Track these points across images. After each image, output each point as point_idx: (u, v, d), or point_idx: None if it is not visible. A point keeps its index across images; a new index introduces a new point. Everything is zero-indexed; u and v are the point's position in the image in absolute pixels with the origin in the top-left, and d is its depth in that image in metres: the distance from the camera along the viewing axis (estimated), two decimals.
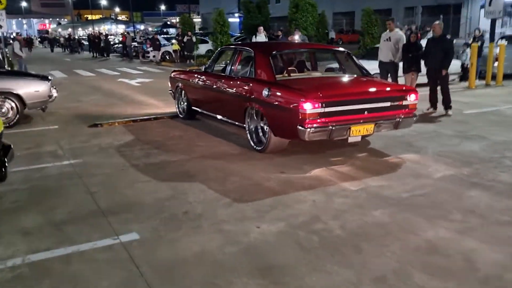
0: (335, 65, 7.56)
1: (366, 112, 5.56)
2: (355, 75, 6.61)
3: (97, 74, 19.30)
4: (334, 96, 5.47)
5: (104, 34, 35.25)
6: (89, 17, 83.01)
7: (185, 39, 21.84)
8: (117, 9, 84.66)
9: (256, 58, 6.41)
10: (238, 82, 6.57)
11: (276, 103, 5.70)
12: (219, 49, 8.31)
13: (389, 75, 10.03)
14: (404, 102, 5.81)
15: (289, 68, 6.65)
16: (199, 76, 7.87)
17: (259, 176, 5.32)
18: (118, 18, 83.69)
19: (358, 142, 6.05)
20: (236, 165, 5.77)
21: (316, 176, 5.33)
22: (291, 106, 5.42)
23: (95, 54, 32.33)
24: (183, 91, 8.51)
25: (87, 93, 13.30)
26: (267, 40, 15.68)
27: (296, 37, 12.97)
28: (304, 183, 5.06)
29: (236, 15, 59.30)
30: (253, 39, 15.67)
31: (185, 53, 22.34)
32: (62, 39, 44.17)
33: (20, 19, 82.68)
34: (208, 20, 67.38)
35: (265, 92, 5.83)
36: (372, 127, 5.57)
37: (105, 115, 9.42)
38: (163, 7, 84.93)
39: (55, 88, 9.39)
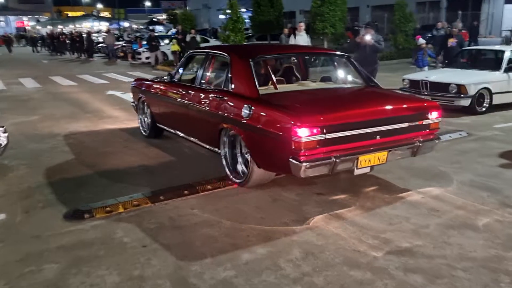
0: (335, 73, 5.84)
1: (378, 136, 4.21)
2: (360, 86, 5.34)
3: (80, 83, 14.88)
4: (338, 118, 4.05)
5: (86, 32, 30.46)
6: (70, 14, 77.47)
7: (187, 38, 17.60)
8: (99, 6, 79.10)
9: (233, 65, 4.94)
10: (210, 96, 5.09)
11: (260, 126, 4.23)
12: (187, 53, 6.47)
13: None
14: (425, 121, 4.51)
15: (275, 79, 5.06)
16: (163, 87, 6.27)
17: None
18: (100, 15, 78.26)
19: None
20: None
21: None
22: (280, 131, 3.97)
23: (78, 54, 27.69)
24: (146, 104, 6.88)
25: (65, 117, 8.99)
26: (309, 41, 11.65)
27: (368, 38, 8.90)
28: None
29: (227, 11, 55.11)
30: (291, 41, 11.54)
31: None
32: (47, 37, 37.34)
33: None
34: (197, 17, 62.64)
35: (245, 111, 4.40)
36: (385, 155, 4.23)
37: (97, 175, 5.24)
38: (148, 4, 79.81)
39: (3, 132, 5.16)
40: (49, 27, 59.01)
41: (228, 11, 16.82)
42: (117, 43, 26.20)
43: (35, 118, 8.97)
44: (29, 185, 4.99)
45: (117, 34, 33.67)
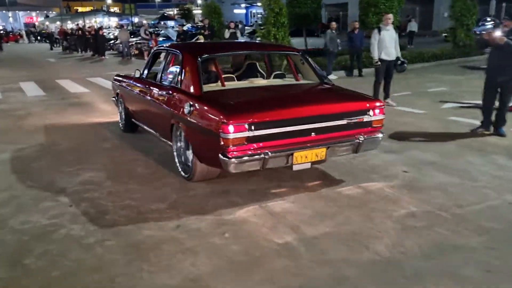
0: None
1: (313, 133, 4.20)
2: (308, 83, 5.27)
3: (92, 89, 11.97)
4: (267, 115, 4.04)
5: (96, 27, 27.47)
6: (79, 9, 74.58)
7: (226, 34, 14.82)
8: (109, 1, 76.09)
9: (183, 62, 4.95)
10: (164, 92, 5.12)
11: (198, 122, 4.31)
12: (153, 50, 6.46)
13: None
14: (366, 118, 4.45)
15: (224, 76, 5.00)
16: (132, 83, 6.33)
17: None
18: (110, 10, 75.32)
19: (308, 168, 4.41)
20: None
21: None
22: (212, 128, 4.03)
23: (91, 52, 24.74)
24: (121, 99, 6.90)
25: (74, 149, 6.11)
26: (397, 37, 8.69)
27: (498, 35, 5.97)
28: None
29: (243, 5, 51.72)
30: (374, 37, 8.55)
31: None
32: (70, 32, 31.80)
33: (4, 11, 74.33)
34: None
35: (186, 108, 4.46)
36: (324, 151, 4.23)
37: None
38: None
39: None
40: (58, 23, 56.22)
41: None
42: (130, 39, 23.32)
43: (31, 151, 6.10)
44: None
45: (128, 30, 30.73)
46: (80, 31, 27.69)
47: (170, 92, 4.96)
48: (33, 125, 7.79)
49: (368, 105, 4.49)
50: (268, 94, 4.82)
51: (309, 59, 5.46)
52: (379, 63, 8.60)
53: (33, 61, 22.44)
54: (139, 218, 3.90)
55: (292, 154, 4.04)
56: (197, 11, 61.42)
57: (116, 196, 4.42)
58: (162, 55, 5.93)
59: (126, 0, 63.09)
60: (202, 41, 15.69)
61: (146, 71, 6.04)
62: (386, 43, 8.53)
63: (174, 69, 5.48)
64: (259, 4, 51.48)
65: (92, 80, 13.89)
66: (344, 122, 4.30)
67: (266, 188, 4.53)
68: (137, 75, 6.11)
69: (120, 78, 7.03)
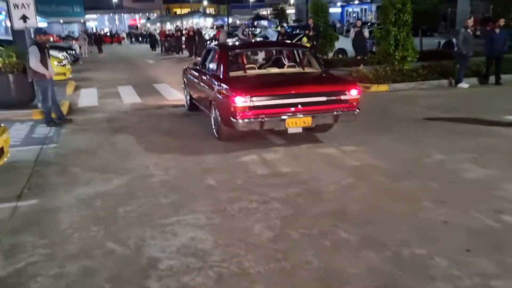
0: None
1: (300, 105, 5.64)
2: (310, 71, 6.69)
3: None
4: (262, 91, 5.62)
5: (195, 28, 27.03)
6: (178, 11, 76.70)
7: (351, 33, 13.38)
8: (205, 2, 77.34)
9: (219, 56, 6.73)
10: (208, 77, 6.87)
11: (222, 97, 5.92)
12: (206, 48, 8.21)
13: None
14: (344, 97, 5.80)
15: (248, 66, 6.76)
16: (192, 72, 8.11)
17: None
18: (206, 12, 76.46)
19: (301, 132, 5.89)
20: None
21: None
22: (228, 100, 5.62)
23: (190, 54, 24.20)
24: (186, 85, 8.73)
25: (176, 188, 4.76)
26: None
27: None
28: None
29: (338, 4, 49.01)
30: None
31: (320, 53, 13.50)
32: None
33: (111, 14, 78.76)
34: (303, 11, 57.18)
35: (217, 87, 6.16)
36: (310, 119, 5.68)
37: None
38: None
39: None
40: (158, 24, 57.79)
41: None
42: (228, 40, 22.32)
43: (120, 185, 4.81)
44: None
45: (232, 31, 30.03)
46: (179, 32, 27.42)
47: (210, 76, 6.74)
48: (125, 143, 6.61)
49: (345, 87, 5.90)
50: (273, 78, 6.39)
51: (315, 54, 7.37)
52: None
53: (132, 63, 22.28)
54: None
55: (284, 120, 5.57)
56: (291, 11, 59.81)
57: (232, 287, 2.85)
58: (211, 51, 7.45)
59: (221, 1, 63.32)
60: (307, 43, 13.93)
61: (201, 63, 7.69)
62: None
63: (215, 61, 6.95)
64: (356, 2, 48.64)
65: None
66: (324, 98, 5.71)
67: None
68: (196, 66, 7.98)
69: (185, 69, 8.93)
